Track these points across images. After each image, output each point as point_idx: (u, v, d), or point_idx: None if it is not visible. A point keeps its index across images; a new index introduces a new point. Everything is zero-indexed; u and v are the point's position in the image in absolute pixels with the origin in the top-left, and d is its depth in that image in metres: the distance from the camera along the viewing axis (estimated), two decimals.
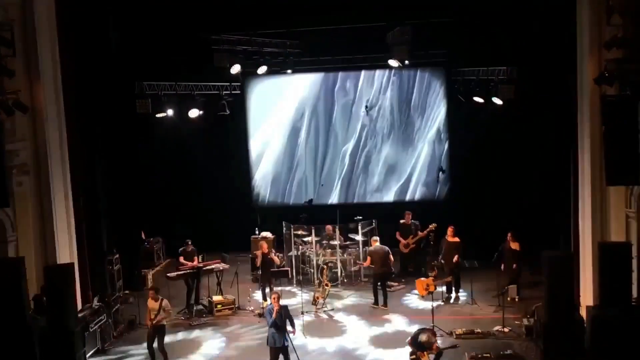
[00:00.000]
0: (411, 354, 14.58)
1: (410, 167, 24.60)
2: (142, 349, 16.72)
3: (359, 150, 24.78)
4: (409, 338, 14.80)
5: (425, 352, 14.37)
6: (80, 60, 18.27)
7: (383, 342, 17.00)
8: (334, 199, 24.87)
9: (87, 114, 18.72)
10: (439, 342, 14.94)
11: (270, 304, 15.06)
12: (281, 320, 14.67)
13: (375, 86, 24.35)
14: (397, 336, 17.06)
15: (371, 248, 19.63)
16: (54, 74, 17.13)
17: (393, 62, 21.61)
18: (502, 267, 19.02)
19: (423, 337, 14.44)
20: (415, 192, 24.72)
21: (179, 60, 22.00)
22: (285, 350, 14.85)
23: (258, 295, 19.95)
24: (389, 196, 24.86)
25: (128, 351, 16.99)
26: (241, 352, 16.78)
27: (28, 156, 16.77)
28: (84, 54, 18.43)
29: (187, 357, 16.49)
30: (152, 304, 16.14)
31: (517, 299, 18.69)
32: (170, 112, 22.25)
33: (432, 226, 20.79)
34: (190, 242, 20.00)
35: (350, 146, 24.76)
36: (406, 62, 21.70)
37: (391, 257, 19.35)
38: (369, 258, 19.70)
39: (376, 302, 19.22)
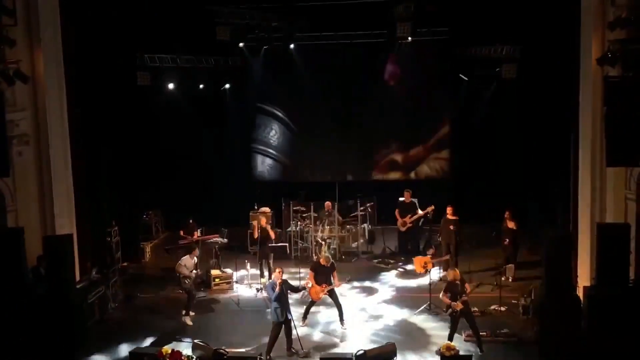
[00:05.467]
0: (450, 312, 14.76)
1: (412, 145, 24.50)
2: (140, 319, 16.95)
3: (361, 126, 24.61)
4: (442, 292, 14.97)
5: (457, 299, 14.59)
6: (81, 30, 18.16)
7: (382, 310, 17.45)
8: (334, 176, 24.67)
9: (87, 84, 18.65)
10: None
11: (271, 279, 15.06)
12: (284, 294, 14.73)
13: (378, 63, 24.16)
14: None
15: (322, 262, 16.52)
16: (55, 44, 17.02)
17: (397, 38, 21.47)
18: (502, 246, 19.04)
19: (449, 277, 14.86)
20: (416, 170, 24.65)
21: (181, 33, 21.87)
22: (288, 323, 14.88)
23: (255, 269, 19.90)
24: (390, 174, 24.79)
25: (125, 322, 17.01)
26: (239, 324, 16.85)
27: (28, 126, 16.76)
28: (85, 24, 18.32)
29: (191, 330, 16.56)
30: (189, 261, 17.06)
31: (512, 279, 18.61)
32: (171, 85, 22.24)
33: (430, 208, 20.66)
34: (192, 220, 20.07)
35: (353, 122, 24.58)
36: (409, 38, 21.58)
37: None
38: (311, 274, 16.47)
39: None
